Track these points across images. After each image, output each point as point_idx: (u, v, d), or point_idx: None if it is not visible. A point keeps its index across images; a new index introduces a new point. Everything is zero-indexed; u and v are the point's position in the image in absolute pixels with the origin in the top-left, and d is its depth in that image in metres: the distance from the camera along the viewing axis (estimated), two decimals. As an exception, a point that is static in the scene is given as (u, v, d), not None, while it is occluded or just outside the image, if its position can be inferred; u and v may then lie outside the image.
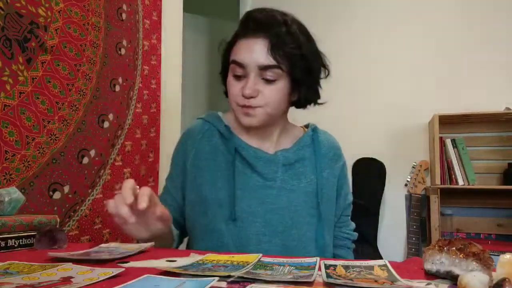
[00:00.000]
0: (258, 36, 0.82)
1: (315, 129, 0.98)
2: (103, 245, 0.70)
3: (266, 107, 0.84)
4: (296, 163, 0.91)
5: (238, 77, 0.85)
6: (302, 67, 0.84)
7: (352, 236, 0.99)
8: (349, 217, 1.01)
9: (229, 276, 0.47)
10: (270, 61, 0.81)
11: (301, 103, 0.92)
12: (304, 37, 0.86)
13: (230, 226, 0.84)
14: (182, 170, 0.93)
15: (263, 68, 0.82)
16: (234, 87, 0.85)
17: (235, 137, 0.91)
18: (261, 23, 0.82)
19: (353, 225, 1.01)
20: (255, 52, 0.81)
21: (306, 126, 1.01)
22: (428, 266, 0.49)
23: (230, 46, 0.89)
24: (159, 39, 1.67)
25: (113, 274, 0.47)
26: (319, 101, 0.94)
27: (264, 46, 0.81)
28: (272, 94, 0.83)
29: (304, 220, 0.87)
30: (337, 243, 0.96)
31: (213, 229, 0.85)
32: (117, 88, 1.42)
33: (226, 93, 0.95)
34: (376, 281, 0.46)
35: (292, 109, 0.95)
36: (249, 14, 0.85)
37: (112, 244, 0.70)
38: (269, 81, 0.83)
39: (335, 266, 0.54)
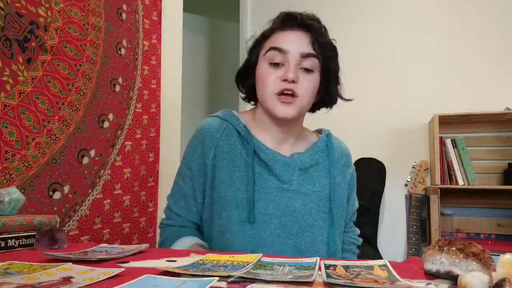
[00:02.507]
0: (299, 30, 0.87)
1: (329, 135, 0.99)
2: (102, 244, 0.70)
3: (303, 98, 0.86)
4: (311, 167, 0.92)
5: (275, 65, 0.86)
6: (335, 63, 0.91)
7: (358, 241, 1.00)
8: (354, 223, 1.02)
9: (229, 276, 0.47)
10: (312, 50, 0.86)
11: (330, 97, 0.96)
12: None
13: (246, 228, 0.84)
14: (202, 170, 0.91)
15: (305, 56, 0.85)
16: (271, 74, 0.86)
17: (253, 138, 0.90)
18: (303, 19, 0.88)
19: (358, 231, 1.02)
20: (297, 41, 0.86)
21: (318, 131, 1.02)
22: (428, 266, 0.49)
23: (260, 41, 0.92)
24: (159, 39, 1.67)
25: (113, 274, 0.47)
26: (345, 97, 0.98)
27: (305, 39, 0.86)
28: (310, 84, 0.87)
29: (317, 224, 0.88)
30: (343, 248, 0.97)
31: (226, 230, 0.85)
32: (117, 88, 1.42)
33: (248, 92, 0.97)
34: (376, 281, 0.46)
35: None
36: (287, 12, 0.90)
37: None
38: (307, 71, 0.86)
39: (335, 266, 0.54)
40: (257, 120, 0.93)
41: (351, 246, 0.98)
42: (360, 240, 1.01)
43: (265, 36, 0.91)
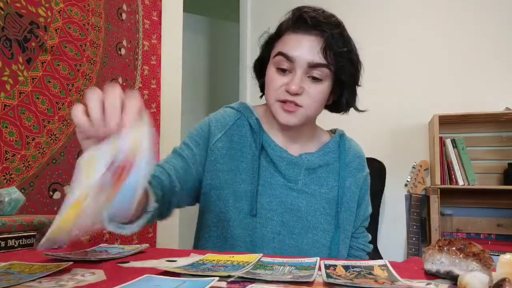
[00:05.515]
0: (311, 34, 0.81)
1: (342, 136, 0.96)
2: (102, 244, 0.70)
3: (308, 108, 0.82)
4: (320, 168, 0.90)
5: (282, 71, 0.82)
6: (349, 71, 0.84)
7: (368, 248, 0.97)
8: (366, 229, 0.99)
9: (229, 276, 0.47)
10: (321, 59, 0.80)
11: (340, 107, 0.92)
12: (352, 42, 0.86)
13: (247, 220, 0.83)
14: (203, 146, 0.88)
15: (313, 66, 0.80)
16: (276, 81, 0.83)
17: (264, 133, 0.89)
18: (317, 22, 0.81)
19: (369, 236, 0.99)
20: (307, 48, 0.80)
21: (333, 131, 1.00)
22: (428, 266, 0.49)
23: (273, 38, 0.87)
24: (159, 39, 1.67)
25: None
26: (359, 107, 0.93)
27: (317, 44, 0.80)
28: (317, 94, 0.82)
29: (321, 226, 0.86)
30: (352, 254, 0.94)
31: (226, 219, 0.84)
32: (117, 88, 1.42)
33: (261, 87, 0.93)
34: (376, 281, 0.46)
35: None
36: (302, 11, 0.83)
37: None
38: (315, 80, 0.81)
39: (335, 266, 0.54)
40: (268, 117, 0.92)
41: (360, 252, 0.96)
42: (371, 246, 0.97)
43: (278, 33, 0.86)
